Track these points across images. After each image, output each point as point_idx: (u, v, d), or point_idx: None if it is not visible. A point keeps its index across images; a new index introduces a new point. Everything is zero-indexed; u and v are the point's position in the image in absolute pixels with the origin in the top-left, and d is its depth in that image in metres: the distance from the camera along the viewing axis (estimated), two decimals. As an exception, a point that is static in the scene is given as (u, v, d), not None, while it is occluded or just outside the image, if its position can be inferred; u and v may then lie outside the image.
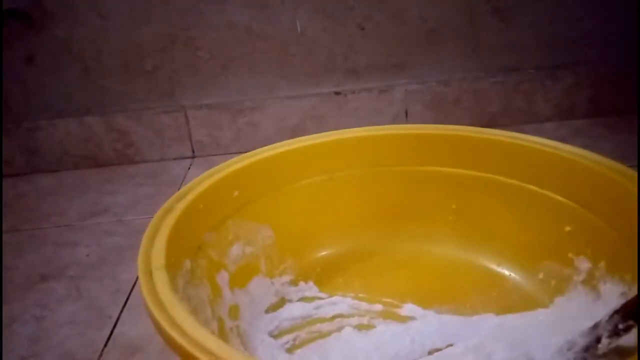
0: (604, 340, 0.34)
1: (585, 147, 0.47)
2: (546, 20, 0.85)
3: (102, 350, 0.51)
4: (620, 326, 0.33)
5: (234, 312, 0.45)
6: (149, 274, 0.35)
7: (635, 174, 0.42)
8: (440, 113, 0.89)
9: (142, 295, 0.34)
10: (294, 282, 0.51)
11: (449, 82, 0.88)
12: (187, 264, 0.41)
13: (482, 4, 0.84)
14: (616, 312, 0.34)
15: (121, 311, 0.56)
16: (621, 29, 0.85)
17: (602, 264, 0.43)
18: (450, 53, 0.87)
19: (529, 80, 0.88)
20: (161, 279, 0.35)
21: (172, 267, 0.37)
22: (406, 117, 0.89)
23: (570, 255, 0.46)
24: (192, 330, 0.30)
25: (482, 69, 0.88)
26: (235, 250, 0.48)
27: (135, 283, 0.59)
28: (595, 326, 0.35)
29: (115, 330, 0.53)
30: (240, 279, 0.47)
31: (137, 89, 0.87)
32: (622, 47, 0.86)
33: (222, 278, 0.45)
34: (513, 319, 0.44)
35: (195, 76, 0.86)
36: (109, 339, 0.52)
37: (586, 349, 0.36)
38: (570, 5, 0.84)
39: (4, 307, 0.57)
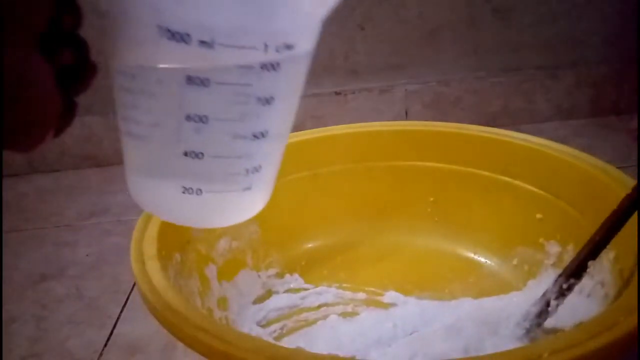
0: (552, 302, 0.38)
1: (585, 147, 0.49)
2: (546, 20, 0.85)
3: (102, 350, 0.51)
4: (564, 286, 0.38)
5: (223, 303, 0.46)
6: (142, 262, 0.37)
7: (599, 161, 0.46)
8: (440, 113, 0.89)
9: (137, 282, 0.35)
10: (279, 275, 0.52)
11: (449, 82, 0.88)
12: (177, 257, 0.42)
13: (482, 4, 0.84)
14: (559, 275, 0.38)
15: (121, 311, 0.56)
16: (621, 28, 0.85)
17: (570, 247, 0.46)
18: (450, 53, 0.87)
19: (529, 80, 0.88)
20: (153, 267, 0.37)
21: (163, 258, 0.39)
22: (406, 117, 0.89)
23: (541, 240, 0.49)
24: (187, 311, 0.32)
25: (482, 69, 0.88)
26: (223, 244, 0.49)
27: (135, 283, 0.60)
28: (544, 294, 0.39)
29: (115, 330, 0.53)
30: (228, 272, 0.49)
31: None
32: (622, 46, 0.86)
33: (211, 271, 0.47)
34: (488, 302, 0.47)
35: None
36: (109, 339, 0.52)
37: (539, 314, 0.39)
38: (570, 5, 0.84)
39: (4, 307, 0.57)
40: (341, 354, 0.41)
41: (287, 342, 0.45)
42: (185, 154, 0.27)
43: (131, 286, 0.59)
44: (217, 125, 0.27)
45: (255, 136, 0.28)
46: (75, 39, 0.26)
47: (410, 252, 0.55)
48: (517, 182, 0.51)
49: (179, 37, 0.24)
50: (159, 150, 0.28)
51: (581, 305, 0.42)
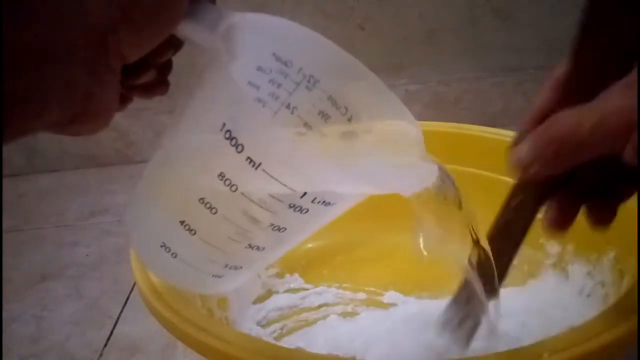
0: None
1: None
2: (546, 20, 0.85)
3: (102, 350, 0.51)
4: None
5: (223, 303, 0.46)
6: (142, 262, 0.36)
7: None
8: (440, 113, 0.89)
9: (137, 282, 0.35)
10: (279, 275, 0.52)
11: (449, 82, 0.88)
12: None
13: (482, 4, 0.84)
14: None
15: (121, 311, 0.56)
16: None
17: (570, 247, 0.46)
18: (450, 53, 0.87)
19: (529, 80, 0.88)
20: None
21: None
22: (406, 117, 0.89)
23: (541, 240, 0.48)
24: (187, 311, 0.32)
25: (482, 69, 0.88)
26: None
27: (135, 283, 0.60)
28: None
29: (115, 330, 0.53)
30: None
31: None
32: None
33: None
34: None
35: (194, 76, 0.86)
36: (109, 339, 0.52)
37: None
38: (570, 5, 0.84)
39: (4, 307, 0.57)
40: (341, 354, 0.41)
41: (287, 342, 0.45)
42: (182, 222, 0.28)
43: (131, 286, 0.59)
44: (220, 222, 0.27)
45: (250, 246, 0.29)
46: (164, 62, 0.27)
47: (409, 252, 0.55)
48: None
49: (235, 142, 0.25)
50: (165, 204, 0.29)
51: (581, 305, 0.42)
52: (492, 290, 0.33)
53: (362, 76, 0.32)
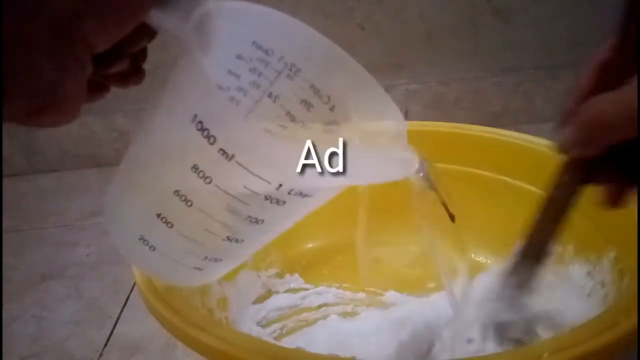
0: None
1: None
2: (546, 20, 0.85)
3: (102, 350, 0.51)
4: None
5: (223, 303, 0.46)
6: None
7: None
8: (440, 113, 0.89)
9: (137, 282, 0.36)
10: (279, 275, 0.52)
11: (449, 82, 0.88)
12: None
13: (482, 4, 0.84)
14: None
15: (121, 311, 0.56)
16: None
17: (570, 247, 0.46)
18: (450, 53, 0.87)
19: (529, 80, 0.88)
20: None
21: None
22: (406, 117, 0.89)
23: None
24: (187, 311, 0.32)
25: (482, 69, 0.88)
26: None
27: (135, 283, 0.60)
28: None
29: (115, 330, 0.53)
30: (228, 273, 0.49)
31: (136, 89, 0.87)
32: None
33: (211, 272, 0.47)
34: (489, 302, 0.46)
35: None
36: (109, 339, 0.52)
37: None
38: (570, 5, 0.84)
39: (4, 307, 0.57)
40: (341, 354, 0.41)
41: (287, 342, 0.45)
42: (159, 215, 0.28)
43: (131, 286, 0.59)
44: (196, 214, 0.27)
45: (228, 239, 0.28)
46: (138, 51, 0.27)
47: (409, 251, 0.55)
48: (517, 182, 0.51)
49: (207, 134, 0.24)
50: (141, 197, 0.29)
51: (581, 305, 0.42)
52: (539, 257, 0.35)
53: (345, 65, 0.31)
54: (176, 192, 0.27)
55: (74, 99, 0.23)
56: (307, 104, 0.32)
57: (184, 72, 0.26)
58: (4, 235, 0.71)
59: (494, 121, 0.88)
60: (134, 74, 0.28)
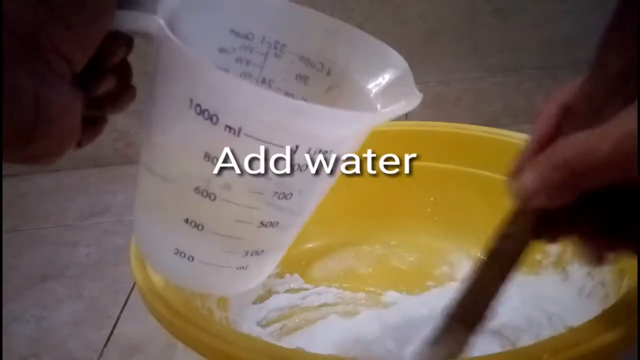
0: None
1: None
2: (546, 20, 0.85)
3: (102, 350, 0.51)
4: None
5: (223, 303, 0.46)
6: (142, 262, 0.36)
7: None
8: (440, 113, 0.89)
9: (137, 282, 0.35)
10: (279, 275, 0.52)
11: (449, 82, 0.88)
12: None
13: (482, 4, 0.84)
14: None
15: (121, 311, 0.56)
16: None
17: (570, 247, 0.46)
18: (450, 53, 0.87)
19: (529, 80, 0.88)
20: None
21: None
22: (406, 117, 0.88)
23: None
24: (187, 311, 0.32)
25: (482, 69, 0.88)
26: None
27: (135, 283, 0.60)
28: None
29: (115, 330, 0.53)
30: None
31: (136, 89, 0.87)
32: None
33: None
34: None
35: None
36: (109, 339, 0.52)
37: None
38: (570, 5, 0.84)
39: (4, 307, 0.57)
40: (341, 354, 0.42)
41: (287, 342, 0.45)
42: (186, 220, 0.27)
43: (131, 286, 0.59)
44: (222, 206, 0.26)
45: (263, 224, 0.27)
46: (121, 66, 0.26)
47: (409, 251, 0.55)
48: None
49: (207, 115, 0.23)
50: (164, 209, 0.28)
51: (581, 305, 0.42)
52: (475, 323, 0.29)
53: (327, 25, 0.30)
54: (196, 189, 0.25)
55: (64, 118, 0.22)
56: (302, 77, 0.31)
57: (165, 65, 0.25)
58: (4, 235, 0.71)
59: (494, 121, 0.88)
60: (123, 92, 0.27)
